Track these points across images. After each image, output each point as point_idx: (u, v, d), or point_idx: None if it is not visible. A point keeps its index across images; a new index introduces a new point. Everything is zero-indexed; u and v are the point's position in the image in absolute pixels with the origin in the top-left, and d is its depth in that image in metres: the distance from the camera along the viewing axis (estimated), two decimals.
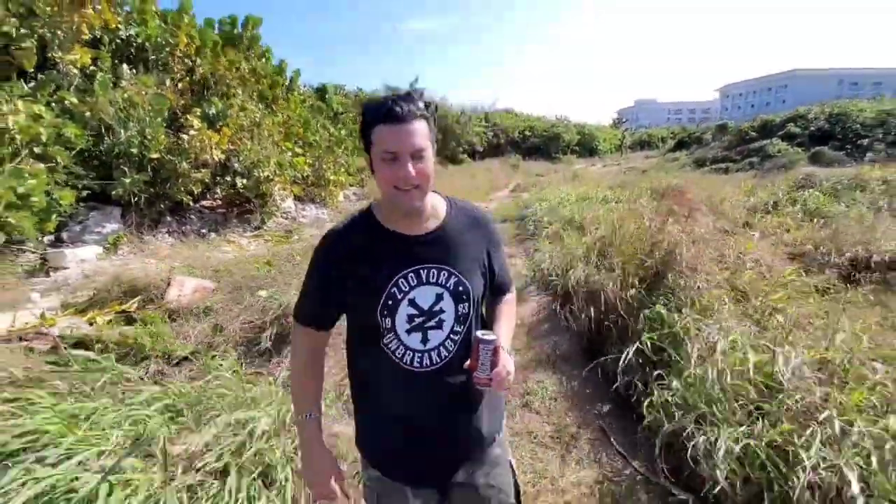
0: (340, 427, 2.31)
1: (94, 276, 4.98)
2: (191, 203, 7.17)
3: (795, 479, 1.41)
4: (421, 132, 0.95)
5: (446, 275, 1.05)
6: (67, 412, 1.59)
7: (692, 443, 1.76)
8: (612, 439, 2.27)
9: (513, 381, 1.02)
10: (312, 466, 1.10)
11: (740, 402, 1.86)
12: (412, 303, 1.03)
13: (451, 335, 1.06)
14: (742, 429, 1.71)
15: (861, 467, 1.39)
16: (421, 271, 1.03)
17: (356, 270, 1.03)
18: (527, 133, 25.76)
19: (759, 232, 5.44)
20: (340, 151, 10.24)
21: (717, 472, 1.60)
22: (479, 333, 1.00)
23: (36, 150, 5.74)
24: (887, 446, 1.41)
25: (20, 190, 4.75)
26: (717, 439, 1.67)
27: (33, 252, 5.45)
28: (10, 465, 1.29)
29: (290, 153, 8.80)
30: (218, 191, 7.94)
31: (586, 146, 29.37)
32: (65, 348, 2.91)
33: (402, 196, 0.97)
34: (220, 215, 7.86)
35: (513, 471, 1.24)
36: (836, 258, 3.97)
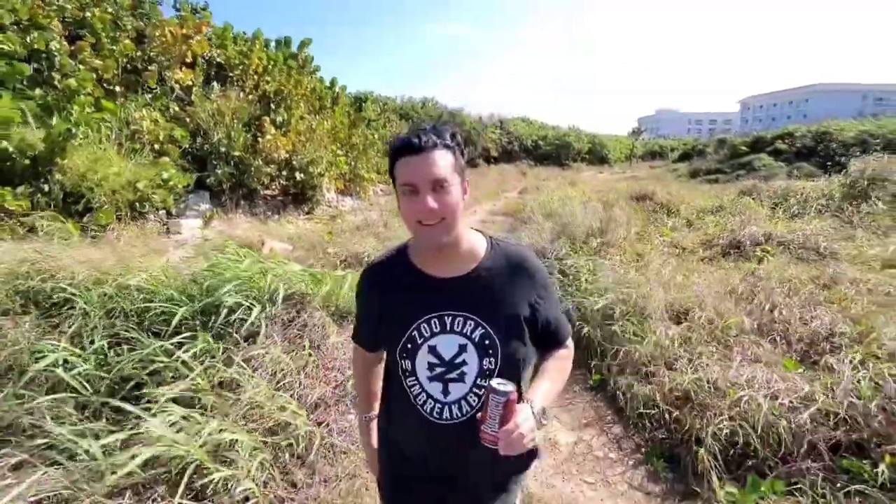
0: None
1: (203, 238, 7.00)
2: (260, 191, 9.20)
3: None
4: (442, 162, 0.90)
5: (472, 325, 0.98)
6: None
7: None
8: None
9: (529, 445, 0.87)
10: (370, 462, 1.27)
11: (598, 292, 3.72)
12: (432, 350, 0.99)
13: (474, 389, 1.00)
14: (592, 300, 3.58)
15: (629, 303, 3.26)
16: (445, 318, 0.98)
17: (384, 306, 1.05)
18: (539, 141, 27.55)
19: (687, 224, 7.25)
20: (373, 153, 12.22)
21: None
22: (493, 382, 0.89)
23: (155, 146, 7.81)
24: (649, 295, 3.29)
25: (164, 176, 6.78)
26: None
27: (156, 221, 7.50)
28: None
29: (332, 154, 10.81)
30: (278, 182, 9.96)
31: (597, 154, 30.99)
32: None
33: (425, 231, 0.93)
34: (279, 202, 9.88)
35: None
36: (723, 241, 5.75)
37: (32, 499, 1.65)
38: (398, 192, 0.95)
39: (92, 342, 2.54)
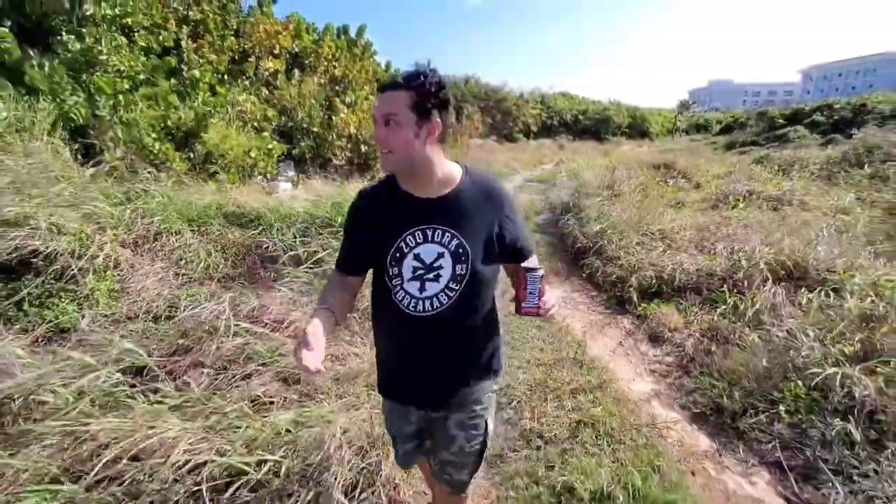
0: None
1: (296, 196, 8.91)
2: (333, 161, 11.08)
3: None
4: (395, 100, 1.09)
5: (449, 236, 1.19)
6: None
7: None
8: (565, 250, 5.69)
9: (556, 312, 1.14)
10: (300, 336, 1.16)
11: (598, 222, 5.26)
12: (417, 257, 1.20)
13: (447, 290, 1.21)
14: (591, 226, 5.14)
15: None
16: (427, 231, 1.19)
17: (375, 224, 1.23)
18: (579, 116, 28.22)
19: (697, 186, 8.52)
20: None
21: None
22: (525, 265, 1.14)
23: (254, 124, 9.76)
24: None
25: (269, 147, 8.71)
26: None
27: (258, 183, 9.50)
28: None
29: None
30: (344, 154, 11.81)
31: (637, 129, 31.25)
32: None
33: (382, 157, 1.17)
34: (346, 170, 11.74)
35: (486, 431, 1.40)
36: (715, 197, 7.06)
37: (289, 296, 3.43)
38: None
39: (281, 238, 4.37)
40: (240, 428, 1.65)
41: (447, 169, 1.21)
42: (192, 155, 7.65)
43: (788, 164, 9.41)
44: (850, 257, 3.34)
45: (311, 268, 3.56)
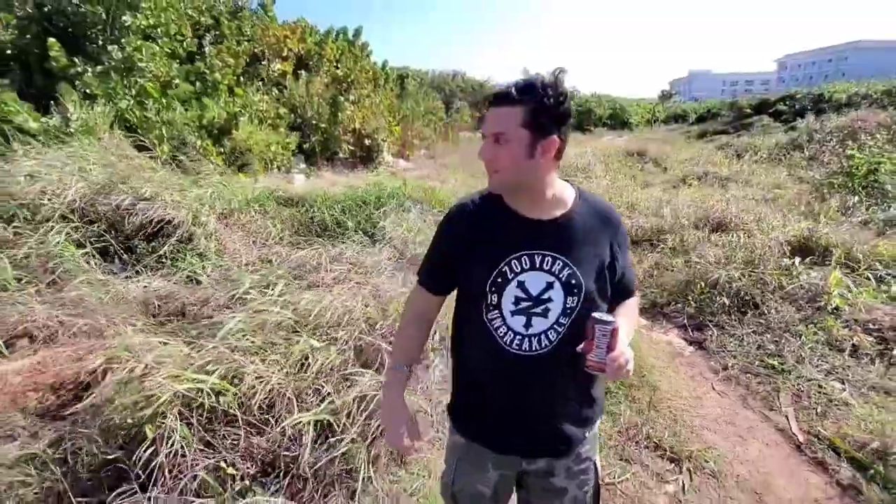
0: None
1: (315, 185, 9.98)
2: (339, 154, 12.15)
3: None
4: (504, 117, 0.99)
5: (560, 265, 1.05)
6: None
7: None
8: None
9: (630, 373, 1.00)
10: (387, 415, 1.21)
11: None
12: (521, 285, 1.06)
13: (556, 326, 1.08)
14: None
15: None
16: (535, 256, 1.06)
17: (475, 243, 1.10)
18: None
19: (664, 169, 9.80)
20: (418, 123, 14.99)
21: None
22: (595, 314, 1.00)
23: (268, 121, 10.77)
24: None
25: (287, 141, 9.76)
26: None
27: (276, 175, 10.53)
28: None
29: (388, 124, 13.63)
30: (347, 147, 12.88)
31: (618, 119, 32.65)
32: None
33: (489, 175, 1.06)
34: (351, 163, 12.82)
35: (596, 471, 1.24)
36: (675, 178, 8.34)
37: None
38: None
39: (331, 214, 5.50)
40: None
41: (560, 189, 1.11)
42: (222, 149, 8.68)
43: (744, 150, 10.76)
44: (756, 214, 4.62)
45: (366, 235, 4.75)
